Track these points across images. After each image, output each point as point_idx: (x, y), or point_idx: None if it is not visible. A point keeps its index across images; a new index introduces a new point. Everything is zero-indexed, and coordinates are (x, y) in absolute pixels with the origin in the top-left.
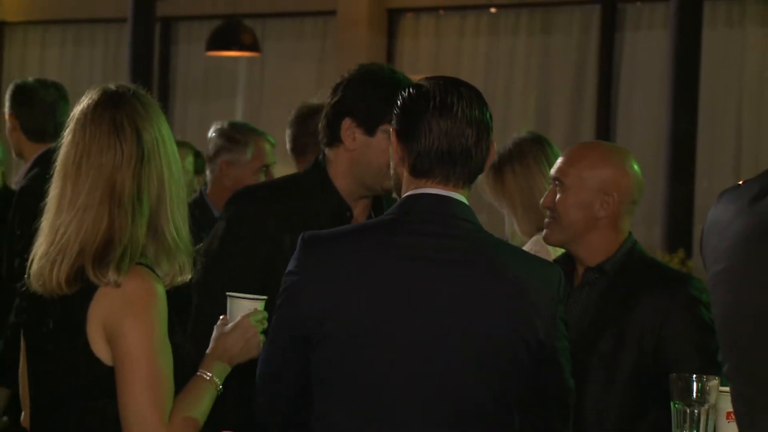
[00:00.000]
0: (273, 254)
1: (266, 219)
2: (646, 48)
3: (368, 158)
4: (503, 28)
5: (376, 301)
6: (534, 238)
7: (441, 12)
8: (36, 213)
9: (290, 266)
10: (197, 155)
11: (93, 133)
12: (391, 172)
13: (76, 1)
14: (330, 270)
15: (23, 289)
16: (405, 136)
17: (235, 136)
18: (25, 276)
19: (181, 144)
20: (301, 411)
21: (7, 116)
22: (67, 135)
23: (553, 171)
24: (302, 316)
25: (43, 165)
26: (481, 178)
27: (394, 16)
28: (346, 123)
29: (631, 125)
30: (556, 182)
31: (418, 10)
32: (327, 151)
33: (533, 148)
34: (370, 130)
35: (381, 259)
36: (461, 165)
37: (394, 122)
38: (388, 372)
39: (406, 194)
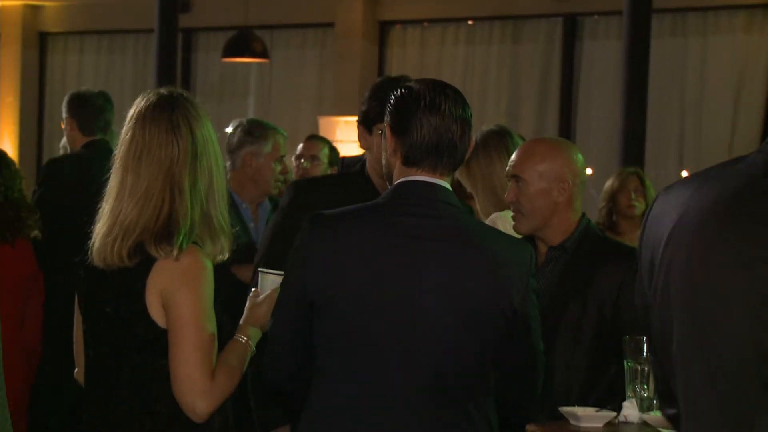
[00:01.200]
0: None
1: (317, 207)
2: (602, 55)
3: None
4: (479, 38)
5: (373, 273)
6: (491, 218)
7: (425, 24)
8: (55, 180)
9: (298, 242)
10: None
11: (152, 132)
12: (384, 162)
13: (109, 14)
14: (333, 245)
15: (85, 262)
16: (398, 131)
17: (257, 131)
18: (88, 252)
19: None
20: (303, 369)
21: (65, 117)
22: (125, 133)
23: (510, 170)
24: (308, 285)
25: (85, 146)
26: None
27: (384, 28)
28: (378, 128)
29: (589, 122)
30: (515, 179)
31: (405, 23)
32: (366, 153)
33: (495, 140)
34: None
35: (377, 236)
36: (447, 156)
37: (387, 119)
38: (382, 335)
39: (398, 181)
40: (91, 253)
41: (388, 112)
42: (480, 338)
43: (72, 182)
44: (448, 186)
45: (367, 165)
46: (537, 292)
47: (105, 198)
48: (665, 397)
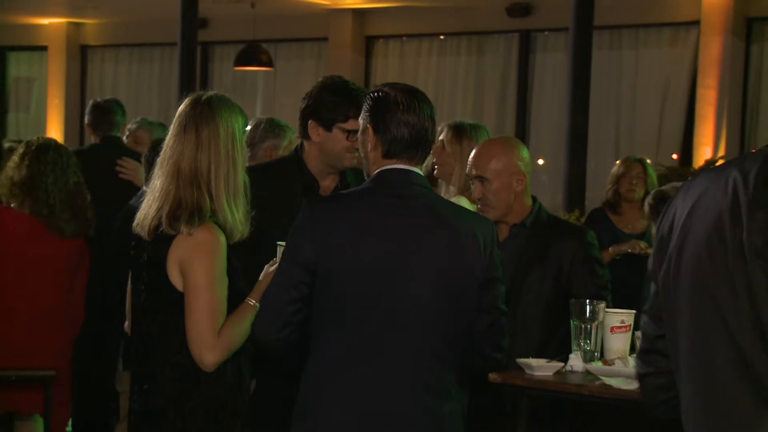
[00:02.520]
0: (262, 213)
1: (259, 190)
2: (552, 66)
3: (329, 147)
4: (448, 50)
5: (366, 245)
6: (453, 198)
7: (404, 38)
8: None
9: (298, 222)
10: None
11: (171, 133)
12: (362, 155)
13: (139, 30)
14: (331, 222)
15: (135, 232)
16: (380, 129)
17: (277, 128)
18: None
19: None
20: (288, 327)
21: (87, 121)
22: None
23: (472, 172)
24: (311, 256)
25: (104, 140)
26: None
27: (370, 42)
28: (311, 124)
29: (541, 122)
30: (479, 179)
31: (387, 37)
32: (304, 142)
33: (473, 131)
34: (328, 128)
35: (366, 214)
36: (421, 149)
37: (368, 119)
38: (374, 298)
39: (380, 169)
40: (137, 224)
41: (368, 114)
42: (456, 298)
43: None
44: (421, 172)
45: (307, 153)
46: (500, 261)
47: (148, 182)
48: (646, 354)
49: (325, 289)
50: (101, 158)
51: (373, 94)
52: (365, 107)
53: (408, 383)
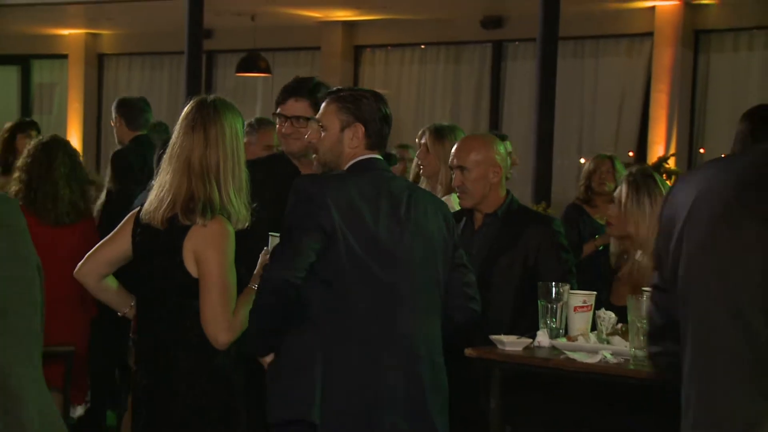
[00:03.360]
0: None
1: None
2: (522, 73)
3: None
4: (428, 59)
5: (366, 215)
6: (443, 198)
7: (389, 48)
8: (124, 168)
9: (312, 196)
10: None
11: (179, 132)
12: (343, 148)
13: (150, 40)
14: (337, 198)
15: (141, 220)
16: (368, 128)
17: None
18: (142, 212)
19: None
20: (301, 273)
21: (114, 117)
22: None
23: (454, 161)
24: (324, 224)
25: (133, 142)
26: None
27: (358, 51)
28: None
29: (511, 124)
30: (459, 169)
31: (373, 47)
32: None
33: (451, 132)
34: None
35: (357, 192)
36: (386, 142)
37: (357, 116)
38: (376, 259)
39: (360, 158)
40: (145, 213)
41: (354, 115)
42: (438, 261)
43: (133, 166)
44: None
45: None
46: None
47: (156, 176)
48: (655, 336)
49: (337, 249)
50: (148, 156)
51: (364, 101)
52: (355, 109)
53: (413, 338)
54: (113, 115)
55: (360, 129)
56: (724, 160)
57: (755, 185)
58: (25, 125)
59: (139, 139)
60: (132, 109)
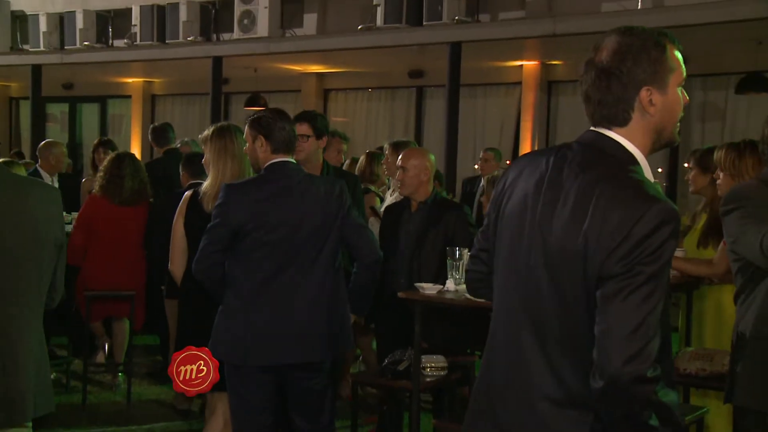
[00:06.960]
0: None
1: None
2: (436, 109)
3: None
4: (375, 99)
5: (269, 213)
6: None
7: (347, 91)
8: (158, 178)
9: (223, 199)
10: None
11: (214, 145)
12: (258, 156)
13: (186, 85)
14: (246, 199)
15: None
16: (270, 138)
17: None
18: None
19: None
20: (215, 267)
21: (150, 139)
22: (203, 143)
23: (398, 163)
24: (233, 222)
25: (165, 154)
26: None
27: (327, 93)
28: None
29: (430, 146)
30: (402, 169)
31: (338, 90)
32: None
33: (405, 146)
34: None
35: (267, 192)
36: (293, 148)
37: (260, 131)
38: (279, 242)
39: (270, 162)
40: (202, 199)
41: (260, 128)
42: (332, 228)
43: (164, 172)
44: (294, 161)
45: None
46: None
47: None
48: (473, 258)
49: (245, 240)
50: (166, 165)
51: (266, 118)
52: (260, 125)
53: (316, 284)
54: (150, 138)
55: (264, 142)
56: (534, 155)
57: (546, 184)
58: (104, 143)
59: (169, 152)
60: (156, 132)
